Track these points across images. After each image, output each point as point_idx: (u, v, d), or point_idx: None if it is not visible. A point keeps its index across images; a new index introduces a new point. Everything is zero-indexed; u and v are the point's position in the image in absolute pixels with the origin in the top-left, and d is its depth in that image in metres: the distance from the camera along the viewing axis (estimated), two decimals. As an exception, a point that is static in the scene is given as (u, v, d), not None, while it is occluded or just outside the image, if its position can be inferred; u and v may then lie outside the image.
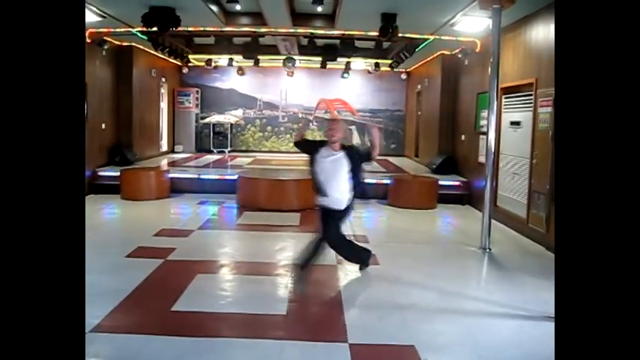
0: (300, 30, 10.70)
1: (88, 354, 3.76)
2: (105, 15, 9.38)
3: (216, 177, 11.16)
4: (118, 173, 10.62)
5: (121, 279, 5.40)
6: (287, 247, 6.97)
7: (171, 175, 10.89)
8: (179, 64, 15.82)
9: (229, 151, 16.53)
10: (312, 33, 11.00)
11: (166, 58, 14.23)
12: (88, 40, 10.64)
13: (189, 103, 16.45)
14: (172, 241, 6.99)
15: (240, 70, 16.28)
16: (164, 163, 13.20)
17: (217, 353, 3.83)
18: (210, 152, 16.23)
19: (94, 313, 4.37)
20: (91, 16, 9.26)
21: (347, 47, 12.62)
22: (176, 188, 10.78)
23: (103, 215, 9.14)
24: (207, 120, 16.65)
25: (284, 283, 5.43)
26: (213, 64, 15.08)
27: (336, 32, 10.86)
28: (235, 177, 10.51)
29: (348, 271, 5.90)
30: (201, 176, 11.18)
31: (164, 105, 15.59)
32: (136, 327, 4.25)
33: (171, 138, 16.16)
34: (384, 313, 4.64)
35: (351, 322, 4.39)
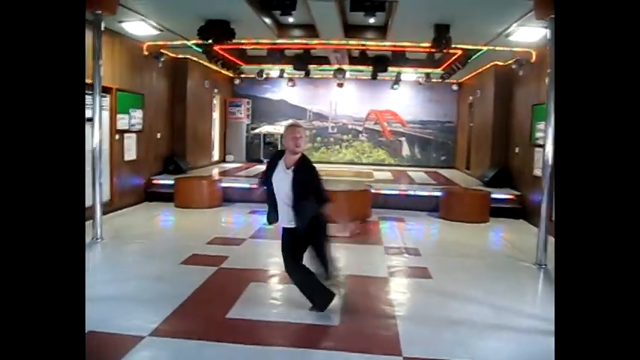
0: (352, 42, 10.75)
1: (145, 357, 3.86)
2: (162, 29, 9.67)
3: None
4: (173, 181, 10.89)
5: (177, 285, 5.52)
6: (338, 258, 6.97)
7: (223, 185, 11.08)
8: (231, 75, 16.13)
9: (279, 161, 16.69)
10: (363, 45, 11.02)
11: (219, 69, 14.55)
12: (146, 53, 11.00)
13: (241, 113, 16.74)
14: (225, 250, 7.10)
15: (291, 81, 16.45)
16: (216, 172, 13.44)
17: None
18: (261, 162, 16.42)
19: (151, 318, 4.50)
20: (149, 30, 9.57)
21: (398, 58, 12.57)
22: (228, 197, 10.97)
23: (159, 222, 9.39)
24: (257, 130, 16.90)
25: (337, 295, 5.42)
26: (264, 76, 15.31)
27: (387, 44, 10.85)
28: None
29: (400, 284, 5.85)
30: (253, 186, 11.33)
31: (216, 115, 15.91)
32: (191, 333, 4.33)
33: (222, 148, 16.47)
34: (438, 328, 4.58)
35: (404, 336, 4.36)
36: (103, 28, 7.50)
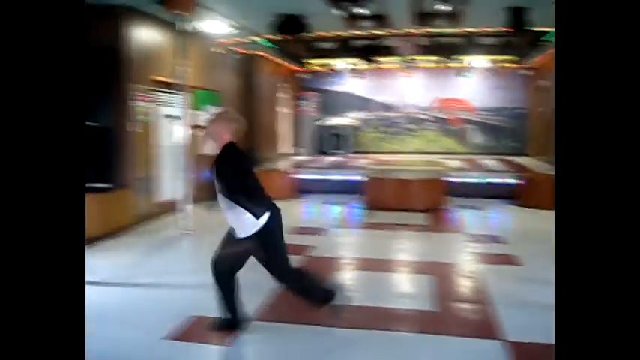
0: (423, 30, 10.68)
1: (255, 340, 4.04)
2: (236, 26, 9.91)
3: (340, 178, 11.41)
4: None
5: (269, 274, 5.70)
6: (422, 246, 7.02)
7: (297, 177, 11.29)
8: (299, 69, 16.33)
9: (347, 153, 16.79)
10: (435, 32, 10.93)
11: (287, 64, 14.78)
12: (218, 51, 11.31)
13: (309, 106, 16.93)
14: (310, 239, 7.26)
15: (358, 73, 16.48)
16: (288, 164, 13.68)
17: (378, 344, 3.97)
18: (329, 154, 16.57)
19: (253, 304, 4.68)
20: (223, 28, 9.82)
21: (469, 44, 12.39)
22: (302, 189, 11.16)
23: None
24: (326, 123, 17.06)
25: (429, 281, 5.46)
26: (331, 68, 15.42)
27: (459, 30, 10.71)
28: (359, 178, 10.70)
29: (489, 271, 5.83)
30: (326, 177, 11.48)
31: (285, 109, 16.16)
32: (293, 318, 4.49)
33: (291, 141, 16.72)
34: (537, 313, 4.55)
35: (504, 320, 4.36)
36: (184, 29, 7.78)
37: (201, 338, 4.09)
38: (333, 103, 17.41)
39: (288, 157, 15.68)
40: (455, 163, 14.04)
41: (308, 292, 4.13)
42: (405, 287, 5.45)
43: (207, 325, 4.18)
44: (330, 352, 3.88)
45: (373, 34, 11.07)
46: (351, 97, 17.42)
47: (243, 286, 5.16)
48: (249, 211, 3.73)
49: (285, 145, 16.23)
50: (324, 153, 16.72)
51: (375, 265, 6.07)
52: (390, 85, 17.10)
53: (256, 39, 11.01)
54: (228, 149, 3.83)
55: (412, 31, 10.76)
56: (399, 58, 13.91)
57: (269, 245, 3.92)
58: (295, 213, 9.62)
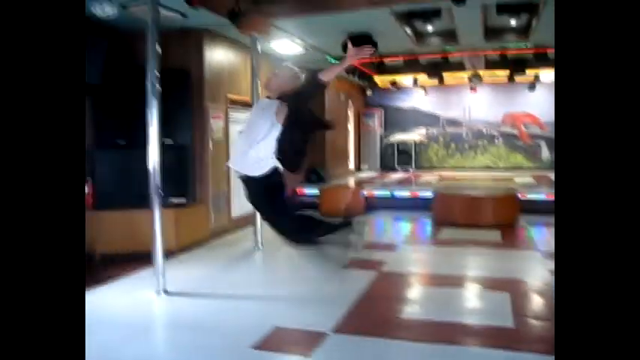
0: (492, 45, 10.61)
1: (333, 351, 4.12)
2: (306, 46, 10.18)
3: (408, 194, 11.41)
4: (317, 191, 11.38)
5: (344, 287, 5.81)
6: (496, 262, 6.94)
7: (365, 193, 11.37)
8: (363, 86, 16.49)
9: (413, 169, 16.75)
10: (504, 48, 10.84)
11: (352, 81, 14.96)
12: (289, 69, 11.61)
13: (374, 123, 17.06)
14: (380, 255, 7.31)
15: (423, 89, 16.47)
16: (354, 181, 13.79)
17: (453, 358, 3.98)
18: (395, 170, 16.58)
19: (329, 316, 4.79)
20: (294, 48, 10.12)
21: (539, 59, 12.18)
22: (370, 205, 11.23)
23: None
24: (391, 139, 17.11)
25: (503, 298, 5.40)
26: (397, 85, 15.49)
27: (528, 44, 10.57)
28: (427, 194, 10.69)
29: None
30: (394, 193, 11.51)
31: (350, 126, 16.33)
32: (370, 330, 4.55)
33: (357, 157, 16.86)
34: None
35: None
36: (257, 49, 8.07)
37: (286, 348, 4.22)
38: (399, 120, 17.46)
39: (353, 174, 15.80)
40: (525, 179, 13.76)
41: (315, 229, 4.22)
42: (479, 303, 5.41)
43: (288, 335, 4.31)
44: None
45: (444, 50, 11.08)
46: (417, 113, 17.42)
47: (320, 299, 5.30)
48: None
49: (350, 161, 16.38)
50: (390, 169, 16.74)
51: (448, 282, 6.05)
52: (457, 100, 16.99)
53: (328, 57, 11.23)
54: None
55: (481, 46, 10.71)
56: (467, 73, 13.82)
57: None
58: (367, 229, 9.69)
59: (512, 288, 5.68)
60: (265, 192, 3.97)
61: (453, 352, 4.10)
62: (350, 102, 16.01)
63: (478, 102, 16.80)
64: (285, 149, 3.89)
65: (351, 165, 16.36)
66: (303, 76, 3.92)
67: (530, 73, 13.76)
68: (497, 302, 5.30)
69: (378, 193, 11.62)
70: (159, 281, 5.60)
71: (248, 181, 3.97)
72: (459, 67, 13.36)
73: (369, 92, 17.22)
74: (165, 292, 5.55)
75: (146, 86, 5.77)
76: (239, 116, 9.55)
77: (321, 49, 10.65)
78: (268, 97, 3.99)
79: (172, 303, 5.29)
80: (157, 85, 5.70)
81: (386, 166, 16.99)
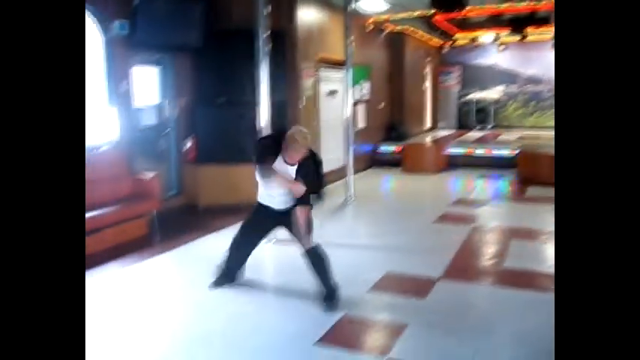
0: None
1: (445, 295, 4.44)
2: (392, 2, 10.22)
3: (490, 152, 11.46)
4: (396, 148, 11.62)
5: (442, 239, 6.12)
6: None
7: (448, 150, 11.51)
8: (440, 43, 16.33)
9: (491, 127, 16.60)
10: None
11: (430, 39, 14.87)
12: (370, 27, 11.72)
13: (451, 81, 16.95)
14: (472, 210, 7.53)
15: (503, 46, 16.15)
16: (434, 138, 13.89)
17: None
18: (472, 129, 16.49)
19: (434, 265, 5.10)
20: (380, 5, 10.19)
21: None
22: (452, 162, 11.36)
23: (395, 185, 10.18)
24: (468, 97, 16.97)
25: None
26: (476, 42, 15.28)
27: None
28: (509, 152, 10.75)
29: None
30: (477, 151, 11.58)
31: (428, 84, 16.29)
32: (475, 278, 4.87)
33: (434, 115, 16.85)
34: None
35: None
36: (346, 8, 8.22)
37: (401, 291, 4.57)
38: (477, 77, 17.24)
39: (431, 132, 15.85)
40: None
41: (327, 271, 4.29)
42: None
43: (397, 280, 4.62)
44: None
45: (532, 5, 10.86)
46: (496, 70, 17.13)
47: (423, 249, 5.60)
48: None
49: (427, 119, 16.40)
50: (467, 127, 16.67)
51: (541, 236, 6.22)
52: (537, 57, 16.54)
53: (410, 14, 11.24)
54: (310, 158, 4.22)
55: None
56: (552, 27, 13.44)
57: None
58: (450, 185, 9.92)
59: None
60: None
61: (535, 299, 4.30)
62: (428, 59, 15.93)
63: (560, 59, 16.29)
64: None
65: (428, 123, 16.38)
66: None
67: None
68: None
69: (459, 150, 11.71)
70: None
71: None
72: (544, 22, 13.01)
73: (446, 49, 17.03)
74: (276, 239, 5.94)
75: (255, 47, 6.10)
76: (328, 74, 9.83)
77: (405, 6, 10.65)
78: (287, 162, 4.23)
79: (285, 250, 5.65)
80: (267, 46, 6.01)
81: (463, 125, 16.91)
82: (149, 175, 6.61)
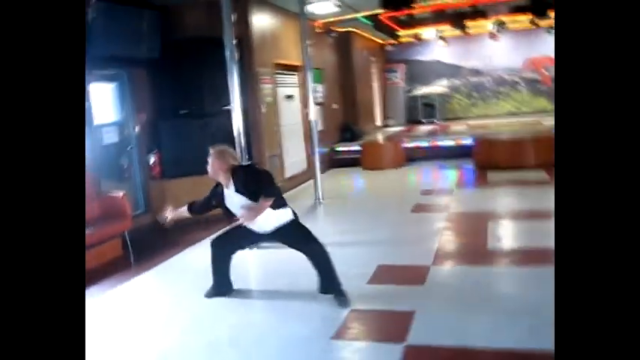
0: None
1: (443, 279, 4.54)
2: (341, 5, 10.36)
3: (445, 144, 11.78)
4: (357, 147, 11.77)
5: (423, 227, 6.27)
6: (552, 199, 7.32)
7: (405, 145, 11.74)
8: (383, 42, 16.65)
9: (439, 121, 17.04)
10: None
11: (376, 38, 15.14)
12: (319, 30, 11.83)
13: (397, 78, 17.31)
14: (442, 199, 7.73)
15: (444, 41, 16.61)
16: (388, 135, 14.13)
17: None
18: (420, 123, 16.88)
19: (425, 252, 5.22)
20: (330, 8, 10.32)
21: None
22: (410, 156, 11.58)
23: (359, 183, 10.29)
24: (415, 93, 17.38)
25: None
26: (418, 38, 15.67)
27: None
28: (465, 142, 11.13)
29: None
30: (431, 144, 11.87)
31: (375, 82, 16.57)
32: (466, 261, 5.01)
33: (383, 113, 17.15)
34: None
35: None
36: (297, 12, 8.29)
37: (398, 281, 4.64)
38: (421, 73, 17.68)
39: (381, 129, 16.11)
40: (552, 121, 14.03)
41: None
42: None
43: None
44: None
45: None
46: (439, 65, 17.63)
47: (407, 239, 5.68)
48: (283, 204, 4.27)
49: (376, 117, 16.67)
50: (415, 122, 17.04)
51: (519, 216, 6.46)
52: (478, 50, 17.16)
53: (357, 15, 11.43)
54: (240, 170, 4.22)
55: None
56: (490, 20, 13.97)
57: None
58: (413, 178, 10.13)
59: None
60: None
61: (532, 275, 4.46)
62: (373, 58, 16.20)
63: (499, 50, 16.94)
64: None
65: (378, 121, 16.65)
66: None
67: (552, 14, 13.88)
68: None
69: (417, 144, 11.98)
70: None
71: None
72: (483, 15, 13.50)
73: (389, 48, 17.38)
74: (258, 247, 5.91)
75: (215, 55, 6.07)
76: (284, 79, 9.86)
77: (353, 7, 10.82)
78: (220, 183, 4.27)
79: (268, 255, 5.62)
80: (236, 53, 5.99)
81: (411, 120, 17.29)
82: (119, 194, 6.44)
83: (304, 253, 4.25)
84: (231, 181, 4.15)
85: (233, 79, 6.03)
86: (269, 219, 4.19)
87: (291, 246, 4.33)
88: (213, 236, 4.69)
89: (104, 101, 7.55)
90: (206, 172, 4.16)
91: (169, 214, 4.58)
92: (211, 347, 3.67)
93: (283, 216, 4.26)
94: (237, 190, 4.13)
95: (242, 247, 4.64)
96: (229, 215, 4.32)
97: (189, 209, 4.56)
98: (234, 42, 6.06)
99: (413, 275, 4.69)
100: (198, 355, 3.59)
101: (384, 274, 4.79)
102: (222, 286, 4.57)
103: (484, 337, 3.43)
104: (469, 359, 3.24)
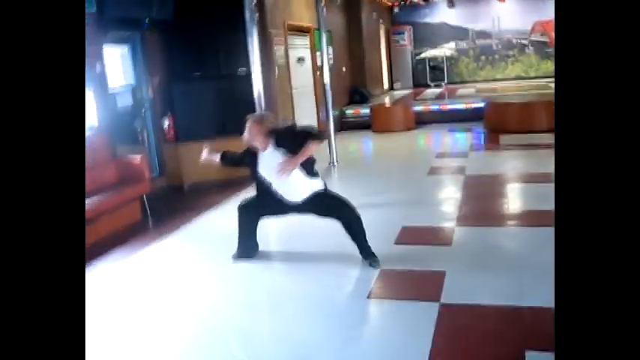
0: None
1: (465, 238, 4.59)
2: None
3: (460, 106, 11.73)
4: (367, 110, 11.73)
5: (441, 189, 6.33)
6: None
7: (415, 108, 11.70)
8: (391, 4, 16.43)
9: (446, 84, 16.94)
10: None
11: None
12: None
13: (404, 40, 17.12)
14: (458, 161, 7.76)
15: (450, 2, 16.40)
16: (397, 98, 14.06)
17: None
18: (428, 86, 16.79)
19: (447, 214, 5.28)
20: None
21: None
22: (420, 120, 11.55)
23: (371, 146, 10.29)
24: (422, 55, 17.22)
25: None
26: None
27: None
28: (474, 105, 11.08)
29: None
30: (443, 107, 11.83)
31: (383, 45, 16.41)
32: (489, 221, 5.06)
33: (390, 76, 17.04)
34: None
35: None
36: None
37: (424, 241, 4.71)
38: (428, 36, 17.49)
39: (388, 92, 16.03)
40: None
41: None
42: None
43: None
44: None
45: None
46: (446, 27, 17.44)
47: (429, 201, 5.71)
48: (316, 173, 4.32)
49: (385, 80, 16.57)
50: (422, 85, 16.95)
51: (534, 179, 6.47)
52: (485, 12, 16.96)
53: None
54: (282, 129, 4.31)
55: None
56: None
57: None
58: (429, 141, 10.13)
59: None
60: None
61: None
62: (381, 20, 16.01)
63: (507, 12, 16.75)
64: None
65: (386, 84, 16.56)
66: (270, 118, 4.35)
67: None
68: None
69: (426, 107, 11.94)
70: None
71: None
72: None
73: (395, 10, 17.16)
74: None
75: (238, 16, 6.00)
76: (295, 41, 9.76)
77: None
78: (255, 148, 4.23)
79: (292, 219, 5.65)
80: (256, 15, 5.91)
81: (418, 83, 17.19)
82: (137, 157, 6.44)
83: (339, 219, 4.23)
84: (271, 142, 4.12)
85: (253, 41, 5.95)
86: (302, 187, 4.19)
87: (323, 214, 4.32)
88: (242, 200, 4.66)
89: (117, 64, 7.49)
90: (220, 135, 4.05)
91: (205, 155, 4.65)
92: (248, 308, 3.73)
93: (316, 185, 4.26)
94: (278, 145, 4.09)
95: (269, 215, 4.62)
96: (259, 180, 4.30)
97: (222, 158, 4.59)
98: (254, 2, 5.94)
99: (439, 236, 4.76)
100: (237, 316, 3.64)
101: (410, 236, 4.83)
102: (249, 249, 4.61)
103: (517, 296, 3.50)
104: (502, 316, 3.30)
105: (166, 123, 7.96)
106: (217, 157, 4.60)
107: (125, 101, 7.64)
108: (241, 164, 4.53)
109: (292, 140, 4.11)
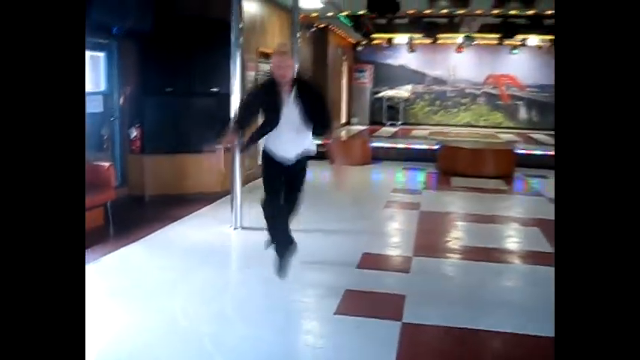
0: (496, 11, 11.38)
1: (421, 268, 4.94)
2: (328, 1, 10.64)
3: (411, 146, 12.28)
4: (323, 142, 12.09)
5: (399, 223, 6.68)
6: (514, 204, 7.93)
7: (373, 144, 12.16)
8: (356, 42, 17.09)
9: (401, 124, 17.63)
10: (508, 14, 11.62)
11: (349, 37, 15.51)
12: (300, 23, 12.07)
13: (365, 78, 17.80)
14: (412, 197, 8.18)
15: (412, 47, 17.20)
16: (354, 133, 14.52)
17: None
18: (383, 125, 17.41)
19: (405, 245, 5.63)
20: (316, 3, 10.57)
21: (533, 25, 12.97)
22: (375, 156, 11.96)
23: (328, 177, 10.57)
24: (380, 94, 17.91)
25: (535, 231, 6.32)
26: (389, 42, 16.21)
27: (530, 12, 11.40)
28: (428, 146, 11.67)
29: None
30: (399, 145, 12.35)
31: (344, 80, 16.98)
32: (443, 253, 5.45)
33: (348, 110, 17.59)
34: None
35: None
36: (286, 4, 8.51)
37: (384, 268, 5.04)
38: (388, 76, 18.22)
39: (344, 127, 16.52)
40: (508, 136, 14.84)
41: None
42: (516, 235, 6.35)
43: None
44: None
45: (451, 12, 11.78)
46: (405, 70, 18.23)
47: (386, 232, 6.03)
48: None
49: (343, 114, 17.08)
50: (378, 123, 17.57)
51: (483, 219, 6.94)
52: (443, 60, 17.85)
53: (341, 14, 11.75)
54: (305, 80, 4.15)
55: (481, 11, 11.47)
56: (461, 34, 14.60)
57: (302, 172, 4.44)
58: (385, 177, 10.51)
59: (540, 224, 6.58)
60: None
61: (501, 269, 5.04)
62: (344, 57, 16.60)
63: (463, 62, 17.72)
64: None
65: (343, 118, 17.06)
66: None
67: (519, 37, 14.66)
68: (531, 234, 6.23)
69: (384, 144, 12.42)
70: (236, 217, 6.19)
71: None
72: (455, 28, 14.11)
73: (359, 48, 17.83)
74: (242, 227, 6.15)
75: (217, 36, 6.28)
76: (265, 68, 10.06)
77: (338, 5, 11.12)
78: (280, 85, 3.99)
79: (251, 236, 5.86)
80: (240, 39, 6.18)
81: (375, 121, 17.81)
82: (105, 164, 6.51)
83: (290, 197, 4.37)
84: (293, 89, 3.90)
85: (236, 62, 6.20)
86: (301, 143, 4.15)
87: (288, 187, 4.32)
88: (261, 199, 4.40)
89: (92, 70, 7.55)
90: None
91: (218, 158, 4.25)
92: (218, 318, 3.90)
93: (311, 146, 4.27)
94: (297, 97, 3.90)
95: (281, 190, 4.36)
96: (274, 120, 4.00)
97: (238, 128, 4.24)
98: (241, 26, 6.22)
99: (398, 264, 5.11)
100: (207, 322, 3.82)
101: (371, 262, 5.13)
102: (286, 243, 4.37)
103: (470, 320, 3.85)
104: (459, 337, 3.64)
105: (134, 133, 8.04)
106: (233, 135, 4.28)
107: (95, 107, 7.68)
108: (256, 112, 4.19)
109: (314, 103, 3.97)
